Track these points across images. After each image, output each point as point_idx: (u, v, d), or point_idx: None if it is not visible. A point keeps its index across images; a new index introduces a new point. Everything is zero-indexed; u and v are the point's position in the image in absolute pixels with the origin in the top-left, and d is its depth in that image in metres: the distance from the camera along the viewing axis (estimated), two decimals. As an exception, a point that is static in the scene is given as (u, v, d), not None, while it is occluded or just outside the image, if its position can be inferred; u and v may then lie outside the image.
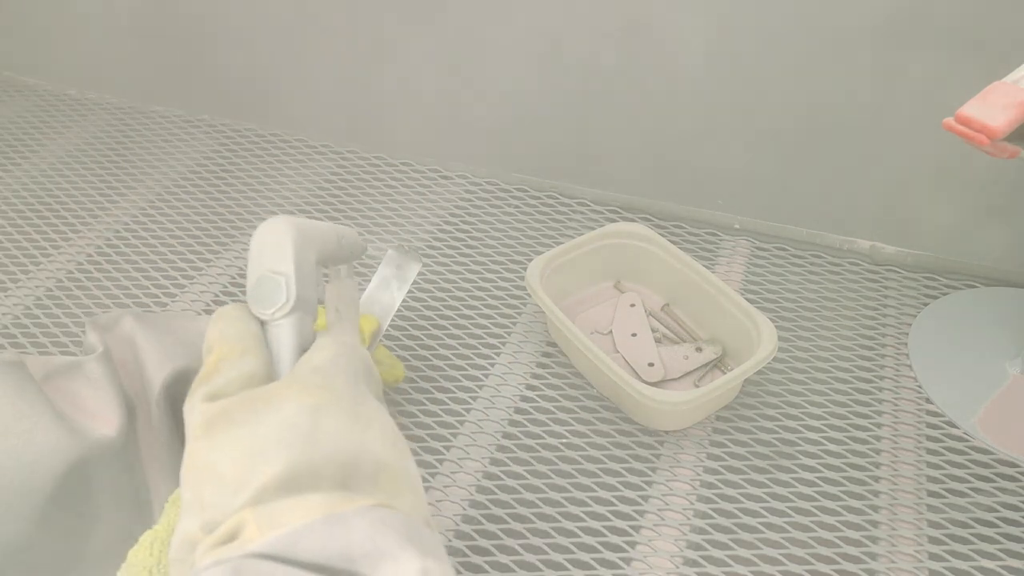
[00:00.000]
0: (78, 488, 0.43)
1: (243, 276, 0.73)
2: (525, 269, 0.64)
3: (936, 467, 0.58)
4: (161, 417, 0.45)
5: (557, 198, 0.81)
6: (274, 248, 0.34)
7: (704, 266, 0.65)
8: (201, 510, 0.29)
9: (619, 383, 0.57)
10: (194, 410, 0.32)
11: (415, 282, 0.72)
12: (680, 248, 0.66)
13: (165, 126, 0.92)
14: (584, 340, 0.59)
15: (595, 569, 0.52)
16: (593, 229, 0.68)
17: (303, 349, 0.34)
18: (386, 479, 0.31)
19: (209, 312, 0.69)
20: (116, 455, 0.44)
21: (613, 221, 0.78)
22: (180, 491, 0.33)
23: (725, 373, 0.61)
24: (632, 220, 0.77)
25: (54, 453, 0.41)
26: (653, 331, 0.67)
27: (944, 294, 0.71)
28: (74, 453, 0.42)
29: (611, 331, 0.67)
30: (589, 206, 0.80)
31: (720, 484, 0.57)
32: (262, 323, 0.34)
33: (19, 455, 0.41)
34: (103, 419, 0.43)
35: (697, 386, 0.62)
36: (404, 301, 0.70)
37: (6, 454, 0.41)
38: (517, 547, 0.53)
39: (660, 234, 0.68)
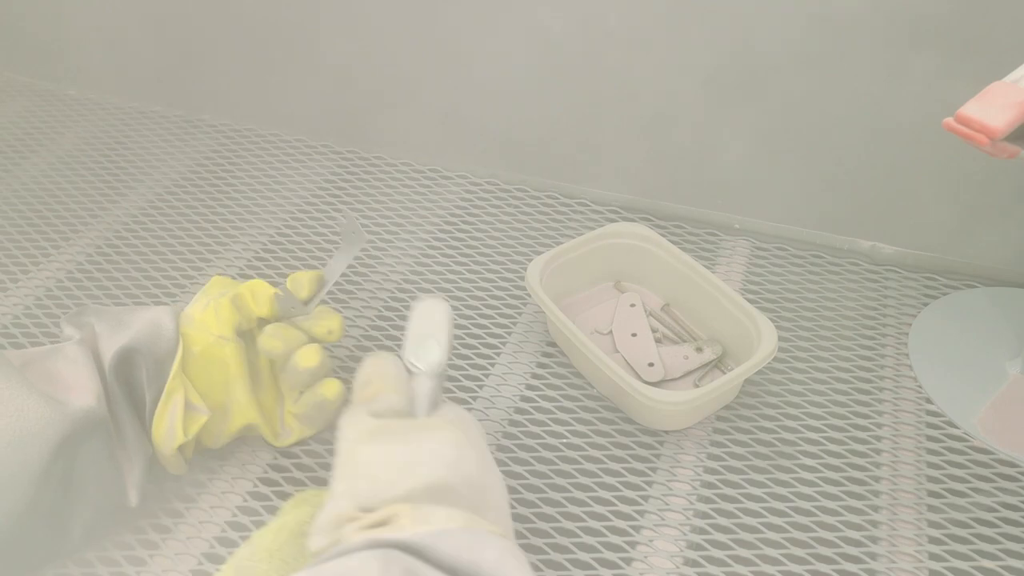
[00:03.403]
0: (65, 465, 0.45)
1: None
2: (525, 269, 0.64)
3: (936, 467, 0.58)
4: (114, 395, 0.49)
5: (557, 198, 0.81)
6: (440, 321, 0.44)
7: (704, 266, 0.65)
8: (354, 497, 0.34)
9: (619, 383, 0.57)
10: (359, 422, 0.38)
11: (415, 281, 0.72)
12: (680, 248, 0.66)
13: (165, 126, 0.92)
14: (584, 340, 0.59)
15: (595, 569, 0.52)
16: (593, 229, 0.68)
17: (434, 404, 0.41)
18: (503, 519, 0.36)
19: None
20: (97, 425, 0.46)
21: (613, 221, 0.78)
22: (330, 483, 0.37)
23: (725, 373, 0.61)
24: (632, 220, 0.77)
25: (44, 429, 0.44)
26: (653, 331, 0.67)
27: (944, 294, 0.71)
28: (62, 427, 0.44)
29: (611, 331, 0.67)
30: (589, 206, 0.80)
31: (720, 484, 0.57)
32: (410, 372, 0.42)
33: (10, 435, 0.43)
34: (83, 389, 0.47)
35: (697, 386, 0.62)
36: (404, 301, 0.70)
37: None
38: (517, 547, 0.53)
39: (660, 234, 0.68)
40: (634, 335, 0.66)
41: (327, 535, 0.34)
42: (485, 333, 0.67)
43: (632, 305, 0.68)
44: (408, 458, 0.36)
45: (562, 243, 0.67)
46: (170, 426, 0.50)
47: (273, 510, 0.54)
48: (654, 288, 0.69)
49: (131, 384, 0.50)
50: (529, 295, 0.69)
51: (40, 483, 0.43)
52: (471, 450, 0.37)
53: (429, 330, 0.43)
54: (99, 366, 0.49)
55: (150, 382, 0.49)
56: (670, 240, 0.68)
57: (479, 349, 0.66)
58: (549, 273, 0.65)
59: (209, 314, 0.52)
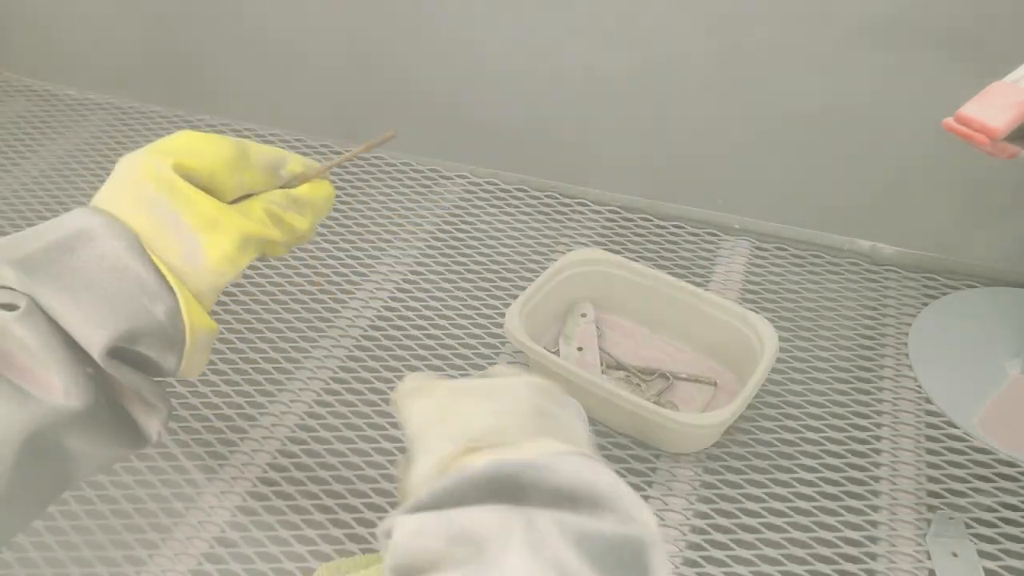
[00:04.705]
0: (49, 447, 0.39)
1: (243, 275, 0.73)
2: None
3: (936, 467, 0.58)
4: (112, 377, 0.39)
5: (557, 198, 0.81)
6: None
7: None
8: (454, 439, 0.34)
9: (645, 415, 0.55)
10: (430, 386, 0.38)
11: (414, 281, 0.72)
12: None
13: (165, 126, 0.92)
14: (594, 380, 0.57)
15: (595, 569, 0.52)
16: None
17: None
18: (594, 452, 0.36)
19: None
20: (81, 415, 0.39)
21: (613, 220, 0.78)
22: (414, 442, 0.36)
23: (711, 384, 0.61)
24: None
25: (7, 424, 0.37)
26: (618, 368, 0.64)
27: (944, 294, 0.71)
28: (31, 423, 0.38)
29: (582, 347, 0.64)
30: (589, 206, 0.80)
31: (720, 484, 0.57)
32: None
33: None
34: (52, 387, 0.38)
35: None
36: (403, 301, 0.70)
37: None
38: (517, 547, 0.53)
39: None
40: (580, 349, 0.64)
41: (429, 482, 0.33)
42: (485, 333, 0.67)
43: (584, 315, 0.66)
44: (498, 405, 0.36)
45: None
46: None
47: (272, 510, 0.54)
48: (631, 315, 0.66)
49: (130, 357, 0.40)
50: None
51: (18, 467, 0.37)
52: (549, 390, 0.38)
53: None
54: (68, 346, 0.38)
55: (161, 355, 0.40)
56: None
57: (479, 349, 0.66)
58: (524, 318, 0.61)
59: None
